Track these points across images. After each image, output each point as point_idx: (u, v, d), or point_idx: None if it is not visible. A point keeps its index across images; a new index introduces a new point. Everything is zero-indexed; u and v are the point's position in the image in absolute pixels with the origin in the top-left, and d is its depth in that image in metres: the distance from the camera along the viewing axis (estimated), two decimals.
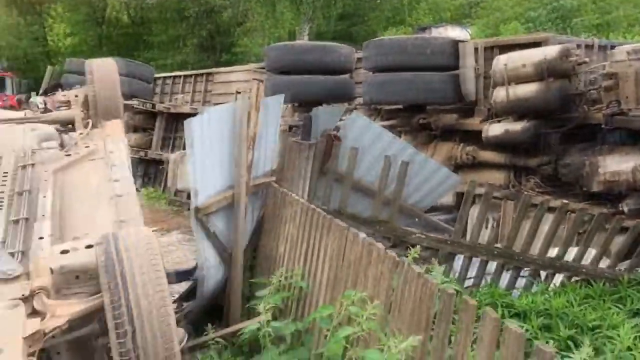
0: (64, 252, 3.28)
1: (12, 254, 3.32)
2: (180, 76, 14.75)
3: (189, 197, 12.00)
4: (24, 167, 4.29)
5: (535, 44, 7.51)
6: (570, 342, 3.79)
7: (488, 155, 7.67)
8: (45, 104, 12.58)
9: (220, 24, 28.41)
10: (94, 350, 3.07)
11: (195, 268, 4.76)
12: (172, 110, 13.91)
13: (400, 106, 8.23)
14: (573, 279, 4.93)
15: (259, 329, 2.91)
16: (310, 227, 3.34)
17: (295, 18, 24.33)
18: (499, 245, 5.16)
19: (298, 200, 3.78)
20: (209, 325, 3.70)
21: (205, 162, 4.22)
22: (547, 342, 3.68)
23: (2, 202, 3.83)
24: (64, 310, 2.93)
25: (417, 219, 5.49)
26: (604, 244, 5.40)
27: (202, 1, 27.96)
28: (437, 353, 1.85)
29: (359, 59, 9.15)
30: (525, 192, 6.89)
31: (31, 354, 2.68)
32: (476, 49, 7.87)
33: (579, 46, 7.70)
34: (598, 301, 4.41)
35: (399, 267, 2.15)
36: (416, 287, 1.97)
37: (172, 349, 2.76)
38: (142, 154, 13.64)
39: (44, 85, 17.18)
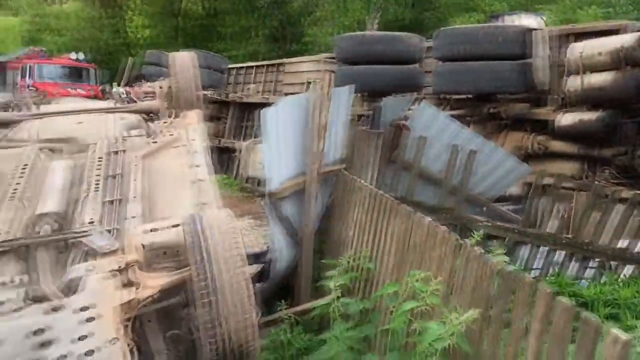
0: (153, 230, 3.62)
1: (108, 231, 3.68)
2: (252, 67, 15.19)
3: (259, 184, 12.47)
4: (115, 152, 4.68)
5: (612, 32, 7.31)
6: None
7: (560, 146, 7.54)
8: (127, 94, 13.31)
9: (290, 14, 28.76)
10: (180, 320, 3.39)
11: (265, 252, 5.04)
12: (244, 100, 14.38)
13: (469, 95, 8.20)
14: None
15: (328, 305, 3.12)
16: (377, 211, 3.52)
17: (365, 6, 24.28)
18: (567, 235, 5.14)
19: (366, 186, 3.96)
20: (282, 302, 3.95)
21: (278, 149, 4.46)
22: None
23: (97, 184, 4.22)
24: (154, 282, 3.25)
25: (484, 208, 5.53)
26: None
27: None
28: (495, 328, 1.99)
29: (429, 48, 9.16)
30: (598, 183, 6.76)
31: (126, 320, 3.01)
32: (550, 37, 7.73)
33: None
34: None
35: (461, 248, 2.29)
36: (477, 267, 2.10)
37: (250, 319, 3.02)
38: (215, 142, 14.18)
39: (125, 76, 18.10)
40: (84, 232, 3.64)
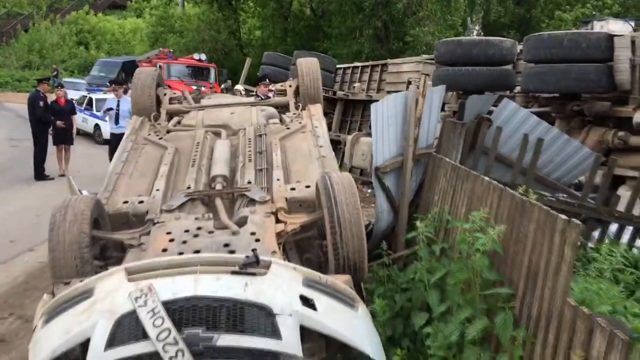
0: (292, 189, 5.16)
1: (261, 189, 5.23)
2: (358, 67, 16.57)
3: (362, 173, 13.81)
4: (259, 135, 6.26)
5: None
6: None
7: (639, 141, 8.27)
8: (250, 92, 15.16)
9: (394, 14, 29.67)
10: (313, 248, 4.86)
11: (368, 225, 6.35)
12: (350, 97, 15.81)
13: (555, 94, 9.09)
14: None
15: (418, 249, 4.43)
16: (455, 179, 4.75)
17: (469, 5, 24.78)
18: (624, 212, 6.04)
19: (449, 161, 5.20)
20: (383, 242, 5.30)
21: (383, 134, 5.80)
22: None
23: (250, 157, 5.81)
24: (296, 221, 4.75)
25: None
26: None
27: None
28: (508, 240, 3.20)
29: (521, 51, 10.08)
30: None
31: (279, 244, 4.49)
32: (633, 42, 8.45)
33: None
34: None
35: (502, 192, 3.48)
36: (509, 202, 3.29)
37: (362, 245, 4.40)
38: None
39: (243, 75, 20.14)
40: (245, 188, 5.23)
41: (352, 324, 3.80)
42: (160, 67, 26.24)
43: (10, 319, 5.48)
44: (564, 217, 2.66)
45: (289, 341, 3.43)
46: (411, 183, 6.15)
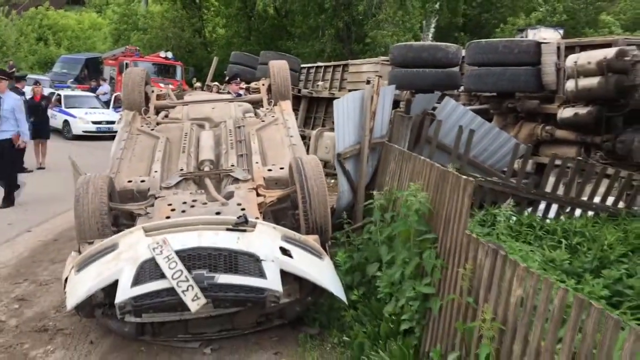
0: (269, 170, 6.25)
1: (243, 170, 6.28)
2: (321, 67, 17.69)
3: (326, 165, 14.87)
4: (238, 127, 7.32)
5: (607, 45, 9.31)
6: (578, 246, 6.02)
7: (563, 134, 9.62)
8: (217, 89, 16.05)
9: (355, 16, 30.81)
10: (286, 217, 5.96)
11: (332, 207, 7.47)
12: (314, 95, 16.91)
13: (493, 94, 10.41)
14: (588, 213, 7.03)
15: (372, 209, 5.57)
16: (401, 161, 5.91)
17: (422, 12, 26.05)
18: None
19: (397, 147, 6.38)
20: (344, 213, 6.43)
21: (344, 125, 6.92)
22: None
23: (232, 144, 6.85)
24: (273, 194, 5.84)
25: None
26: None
27: None
28: (433, 198, 4.36)
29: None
30: (592, 162, 8.81)
31: (260, 213, 5.57)
32: (558, 48, 9.82)
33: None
34: (602, 225, 6.54)
35: (430, 166, 4.65)
36: (435, 172, 4.45)
37: (327, 213, 5.53)
38: None
39: (210, 73, 20.98)
40: (230, 169, 6.29)
41: (320, 270, 4.93)
42: (126, 64, 26.74)
43: (25, 284, 6.38)
44: (464, 177, 3.83)
45: (272, 280, 4.53)
46: (367, 167, 7.30)
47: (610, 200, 7.33)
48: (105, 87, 27.41)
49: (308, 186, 5.50)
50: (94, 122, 21.06)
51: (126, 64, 26.87)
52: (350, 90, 13.14)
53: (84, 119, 21.08)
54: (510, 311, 2.96)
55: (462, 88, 11.54)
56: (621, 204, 7.26)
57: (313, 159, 5.82)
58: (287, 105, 7.96)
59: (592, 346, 2.27)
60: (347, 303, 4.98)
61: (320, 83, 16.85)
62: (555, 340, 2.53)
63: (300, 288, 5.00)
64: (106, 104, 23.50)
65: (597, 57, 8.73)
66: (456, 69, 11.77)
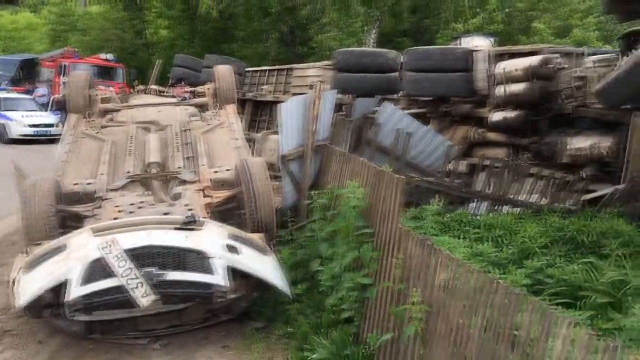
0: (216, 172, 6.45)
1: (190, 172, 6.47)
2: (266, 70, 17.92)
3: (270, 167, 15.03)
4: (185, 130, 7.49)
5: (533, 53, 9.99)
6: (499, 240, 6.50)
7: (494, 136, 10.24)
8: (161, 92, 16.04)
9: (299, 20, 31.10)
10: (233, 217, 6.18)
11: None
12: (258, 99, 17.12)
13: (430, 98, 10.95)
14: (514, 209, 7.59)
15: (314, 208, 5.87)
16: (341, 162, 6.25)
17: (363, 20, 26.58)
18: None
19: (338, 149, 6.72)
20: (289, 212, 6.72)
21: (288, 128, 7.21)
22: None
23: (178, 147, 7.02)
24: (219, 195, 6.06)
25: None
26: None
27: None
28: (370, 196, 4.71)
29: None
30: (519, 163, 9.43)
31: (208, 213, 5.78)
32: (489, 56, 10.45)
33: (570, 54, 10.15)
34: (527, 220, 7.09)
35: (372, 168, 5.01)
36: (372, 171, 4.82)
37: (272, 211, 5.80)
38: None
39: (153, 76, 20.85)
40: (177, 171, 6.46)
41: (265, 266, 5.20)
42: (65, 66, 26.10)
43: None
44: (397, 175, 4.19)
45: (220, 276, 4.77)
46: (311, 169, 7.61)
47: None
48: (42, 90, 26.66)
49: (253, 187, 5.75)
50: (32, 125, 20.48)
51: (65, 65, 26.24)
52: (295, 94, 13.44)
53: (21, 122, 20.47)
54: (435, 294, 3.32)
55: (401, 93, 12.02)
56: (544, 200, 7.86)
57: (258, 160, 6.09)
58: (232, 108, 8.18)
59: (499, 318, 2.64)
60: (291, 297, 5.26)
61: (265, 87, 17.07)
62: (471, 316, 2.90)
63: (246, 284, 5.24)
64: (44, 107, 22.90)
65: (523, 64, 9.36)
66: (396, 74, 12.24)
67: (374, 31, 23.69)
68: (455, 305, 3.07)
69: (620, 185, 7.20)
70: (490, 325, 2.71)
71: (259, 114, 17.41)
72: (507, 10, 33.33)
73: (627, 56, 8.03)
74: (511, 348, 2.50)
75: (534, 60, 9.26)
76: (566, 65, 9.44)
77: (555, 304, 4.96)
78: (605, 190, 7.41)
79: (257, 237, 5.42)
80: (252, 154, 16.27)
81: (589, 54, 9.91)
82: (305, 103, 7.38)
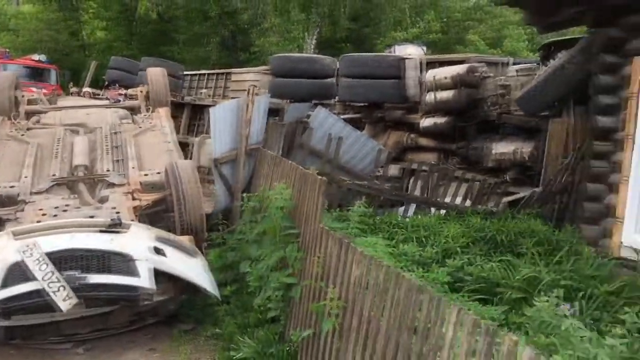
0: (145, 175, 6.42)
1: (119, 175, 6.41)
2: (204, 74, 17.82)
3: (209, 172, 14.97)
4: (115, 133, 7.40)
5: (461, 62, 10.42)
6: (424, 240, 6.75)
7: (425, 141, 10.61)
8: (96, 95, 15.68)
9: (240, 25, 31.02)
10: (162, 219, 6.16)
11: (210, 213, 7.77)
12: (197, 102, 16.96)
13: (364, 104, 11.22)
14: (440, 211, 7.89)
15: (244, 210, 5.94)
16: (273, 165, 6.35)
17: (305, 24, 26.82)
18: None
19: (270, 153, 6.82)
20: (219, 214, 6.74)
21: (220, 132, 7.24)
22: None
23: (107, 150, 6.94)
24: (148, 198, 6.04)
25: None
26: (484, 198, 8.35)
27: (224, 3, 30.62)
28: (296, 197, 4.84)
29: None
30: (449, 167, 9.80)
31: (136, 216, 5.75)
32: (420, 63, 10.82)
33: (495, 63, 10.65)
34: (451, 221, 7.38)
35: (298, 170, 5.12)
36: (299, 173, 4.93)
37: (201, 214, 5.82)
38: None
39: (88, 78, 20.33)
40: (105, 174, 6.39)
41: (193, 268, 5.23)
42: None
43: None
44: (320, 177, 4.33)
45: (145, 278, 4.76)
46: (244, 172, 7.66)
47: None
48: None
49: (183, 189, 5.76)
50: None
51: None
52: (233, 98, 13.42)
53: None
54: (350, 290, 3.46)
55: (337, 98, 12.26)
56: (468, 202, 8.19)
57: (189, 163, 6.10)
58: (165, 112, 8.13)
59: (403, 309, 2.80)
60: (219, 298, 5.30)
61: (203, 90, 16.96)
62: (381, 310, 3.05)
63: (174, 286, 5.24)
64: None
65: (451, 72, 9.76)
66: (332, 79, 12.48)
67: (314, 37, 23.91)
68: (367, 299, 3.21)
69: (537, 188, 7.61)
70: (396, 316, 2.86)
71: (197, 118, 17.25)
72: (444, 20, 34.43)
73: (546, 66, 8.53)
74: (413, 336, 2.65)
75: (461, 68, 9.67)
76: (491, 74, 9.90)
77: (474, 300, 5.25)
78: (523, 192, 7.81)
79: (185, 239, 5.43)
80: (190, 157, 16.22)
81: (514, 64, 10.44)
82: (238, 107, 7.44)
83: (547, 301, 3.79)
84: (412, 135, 10.72)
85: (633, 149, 6.32)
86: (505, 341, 1.94)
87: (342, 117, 10.50)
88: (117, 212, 5.56)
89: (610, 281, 5.49)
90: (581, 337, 3.45)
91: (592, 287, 5.30)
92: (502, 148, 9.29)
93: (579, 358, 3.19)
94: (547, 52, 9.30)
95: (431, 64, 10.88)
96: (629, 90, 6.40)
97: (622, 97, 6.52)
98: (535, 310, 3.79)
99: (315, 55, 12.40)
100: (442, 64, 10.87)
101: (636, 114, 6.28)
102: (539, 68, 9.04)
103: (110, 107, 8.42)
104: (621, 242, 6.37)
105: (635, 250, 6.02)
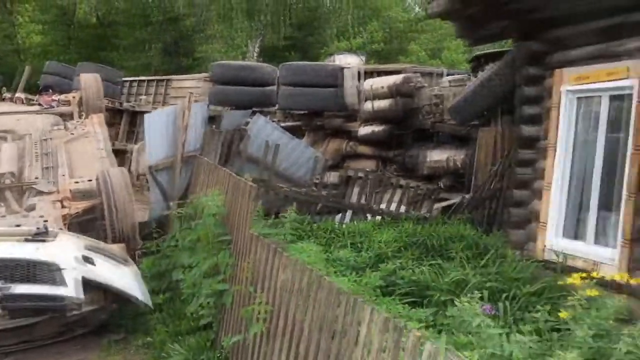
0: (76, 182, 6.29)
1: (49, 182, 6.27)
2: (144, 80, 17.51)
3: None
4: (45, 140, 7.22)
5: (398, 72, 10.70)
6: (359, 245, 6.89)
7: (364, 149, 10.80)
8: (30, 100, 15.12)
9: (183, 31, 30.67)
10: (93, 228, 6.05)
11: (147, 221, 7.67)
12: (136, 109, 16.67)
13: (304, 112, 11.34)
14: (377, 217, 8.08)
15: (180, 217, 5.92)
16: (209, 172, 6.35)
17: (248, 32, 26.82)
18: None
19: (206, 160, 6.81)
20: (153, 221, 6.67)
21: (156, 139, 7.17)
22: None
23: (37, 157, 6.77)
24: (78, 206, 5.92)
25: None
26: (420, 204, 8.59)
27: (167, 9, 30.21)
28: (229, 204, 4.87)
29: None
30: (385, 174, 10.02)
31: (65, 224, 5.64)
32: (359, 73, 11.05)
33: (430, 74, 11.00)
34: (386, 227, 7.56)
35: (231, 177, 5.14)
36: (233, 180, 4.96)
37: (133, 223, 5.76)
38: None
39: (22, 83, 19.57)
40: (33, 182, 6.22)
41: (123, 277, 5.16)
42: None
43: None
44: (251, 184, 4.39)
45: (73, 288, 4.67)
46: (182, 179, 7.61)
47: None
48: None
49: (114, 197, 5.68)
50: None
51: None
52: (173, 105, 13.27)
53: None
54: (277, 294, 3.52)
55: (277, 106, 12.32)
56: (402, 209, 8.40)
57: (121, 171, 6.02)
58: (98, 118, 7.98)
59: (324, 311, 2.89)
60: (151, 307, 5.25)
61: (143, 97, 16.67)
62: (304, 312, 3.12)
63: (104, 295, 5.16)
64: None
65: (388, 82, 10.00)
66: (273, 87, 12.53)
67: (257, 44, 23.94)
68: (292, 303, 3.28)
69: (467, 194, 7.91)
70: (317, 318, 2.94)
71: (136, 125, 16.94)
72: (387, 30, 35.15)
73: (476, 77, 8.89)
74: (332, 337, 2.74)
75: (397, 78, 9.93)
76: (425, 84, 10.22)
77: (405, 303, 5.41)
78: (455, 199, 8.09)
79: (116, 248, 5.35)
80: (129, 165, 15.91)
81: (447, 74, 10.80)
82: (175, 114, 7.40)
83: (468, 302, 3.96)
84: (351, 143, 10.89)
85: (555, 157, 6.67)
86: (410, 337, 2.05)
87: (282, 125, 10.58)
88: (45, 221, 5.43)
89: (533, 283, 5.77)
90: (497, 334, 3.63)
91: (515, 288, 5.55)
92: (437, 156, 9.57)
93: (492, 355, 3.36)
94: (477, 63, 9.68)
95: (369, 74, 11.12)
96: (550, 101, 6.75)
97: (545, 108, 6.87)
98: (456, 310, 3.95)
99: (255, 63, 12.47)
100: (380, 73, 11.12)
101: (557, 124, 6.64)
102: (470, 79, 9.41)
103: (42, 113, 8.17)
104: (544, 246, 6.68)
105: (556, 253, 6.33)
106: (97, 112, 8.08)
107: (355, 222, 7.87)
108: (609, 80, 6.01)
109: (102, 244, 5.22)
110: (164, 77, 17.12)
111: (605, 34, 5.99)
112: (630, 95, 5.71)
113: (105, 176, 5.85)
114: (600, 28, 6.07)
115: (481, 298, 4.44)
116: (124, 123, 17.00)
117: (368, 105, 10.23)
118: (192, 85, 14.96)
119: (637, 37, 5.58)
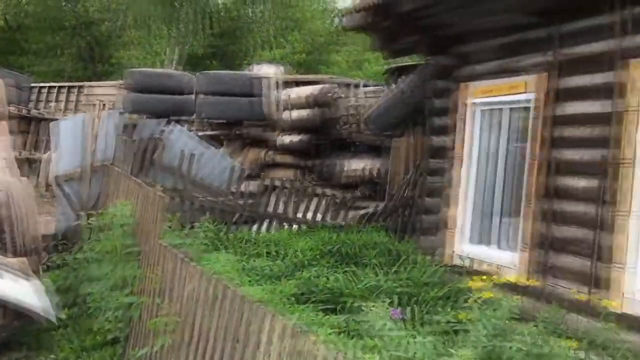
0: None
1: None
2: (55, 86, 16.77)
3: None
4: None
5: (316, 83, 10.87)
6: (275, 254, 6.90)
7: (283, 158, 10.86)
8: None
9: (98, 36, 29.65)
10: None
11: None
12: (46, 117, 15.93)
13: (223, 121, 11.27)
14: (293, 226, 8.14)
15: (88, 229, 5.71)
16: (119, 182, 6.18)
17: (167, 39, 26.32)
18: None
19: (116, 169, 6.64)
20: (59, 235, 6.40)
21: (64, 148, 6.90)
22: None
23: None
24: None
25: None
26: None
27: (81, 13, 29.12)
28: (139, 214, 4.78)
29: None
30: (304, 183, 10.11)
31: None
32: (277, 83, 11.12)
33: (348, 85, 11.24)
34: (303, 236, 7.63)
35: (141, 187, 5.03)
36: (144, 194, 4.86)
37: (38, 237, 5.51)
38: (16, 153, 15.43)
39: None
40: None
41: (24, 292, 4.91)
42: None
43: None
44: (161, 194, 4.33)
45: None
46: (92, 190, 7.35)
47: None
48: None
49: (16, 210, 5.41)
50: None
51: None
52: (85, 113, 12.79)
53: None
54: (184, 305, 3.49)
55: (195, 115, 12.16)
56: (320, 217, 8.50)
57: (25, 183, 5.74)
58: (1, 125, 7.56)
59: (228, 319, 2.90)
60: (56, 323, 5.03)
61: (52, 104, 15.97)
62: (210, 321, 3.11)
63: (4, 312, 4.88)
64: None
65: (306, 92, 10.15)
66: (191, 96, 12.35)
67: (175, 52, 23.53)
68: (199, 313, 3.26)
69: (382, 203, 8.13)
70: (222, 327, 2.94)
71: (46, 133, 16.18)
72: (309, 42, 35.52)
73: (390, 89, 9.19)
74: (236, 344, 2.75)
75: (315, 89, 10.09)
76: (342, 95, 10.43)
77: (320, 310, 5.48)
78: (370, 207, 8.30)
79: (16, 262, 5.09)
80: (38, 174, 15.16)
81: (364, 86, 11.08)
82: (84, 122, 7.15)
83: (374, 307, 4.07)
84: (270, 153, 10.92)
85: (462, 166, 7.00)
86: (305, 342, 2.10)
87: (201, 134, 10.45)
88: None
89: (441, 287, 6.02)
90: (403, 337, 3.76)
91: (424, 293, 5.77)
92: (354, 165, 9.78)
93: (398, 357, 3.48)
94: (392, 75, 10.01)
95: (289, 84, 11.21)
96: (458, 113, 7.10)
97: (452, 119, 7.21)
98: (364, 315, 4.06)
99: (172, 71, 12.26)
100: (299, 83, 11.23)
101: (463, 135, 6.98)
102: (385, 91, 9.71)
103: None
104: (453, 251, 6.99)
105: (462, 258, 6.63)
106: (0, 120, 7.65)
107: (272, 232, 7.89)
108: (510, 94, 6.41)
109: (1, 259, 4.95)
110: (75, 84, 16.50)
111: (506, 50, 6.39)
112: (528, 108, 6.11)
113: (6, 187, 5.55)
114: (502, 45, 6.47)
115: (391, 303, 4.59)
116: (33, 131, 16.20)
117: (286, 115, 10.32)
118: (106, 93, 14.53)
119: (533, 54, 6.00)
